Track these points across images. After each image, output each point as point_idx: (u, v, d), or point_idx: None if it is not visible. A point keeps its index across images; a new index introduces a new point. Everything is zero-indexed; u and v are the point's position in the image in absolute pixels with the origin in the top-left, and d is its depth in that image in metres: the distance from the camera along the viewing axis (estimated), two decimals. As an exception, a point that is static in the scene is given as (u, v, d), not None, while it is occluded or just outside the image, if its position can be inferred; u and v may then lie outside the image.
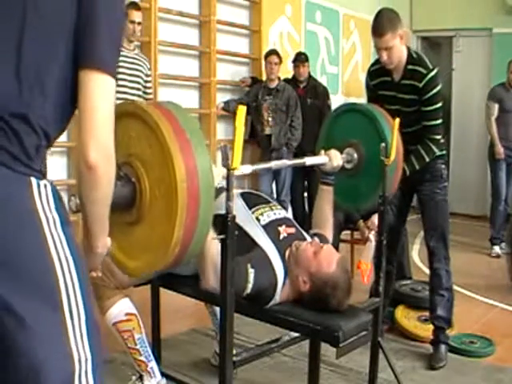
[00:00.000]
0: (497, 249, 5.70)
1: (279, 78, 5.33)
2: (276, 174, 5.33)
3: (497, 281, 4.69)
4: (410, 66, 2.90)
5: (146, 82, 4.33)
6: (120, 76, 3.93)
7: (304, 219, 5.03)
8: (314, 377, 2.49)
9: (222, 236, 1.70)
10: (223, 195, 1.75)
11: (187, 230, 1.54)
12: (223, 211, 1.71)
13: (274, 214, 2.19)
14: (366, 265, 2.66)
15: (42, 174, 1.15)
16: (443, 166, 3.12)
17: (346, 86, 7.05)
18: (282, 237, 2.12)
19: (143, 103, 1.58)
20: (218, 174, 1.74)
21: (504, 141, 5.67)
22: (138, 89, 4.21)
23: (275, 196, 5.27)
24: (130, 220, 1.61)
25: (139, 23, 4.24)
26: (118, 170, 1.30)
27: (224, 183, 1.71)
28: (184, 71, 5.18)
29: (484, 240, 5.92)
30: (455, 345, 3.26)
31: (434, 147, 2.93)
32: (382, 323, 2.70)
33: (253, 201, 2.21)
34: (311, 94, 5.49)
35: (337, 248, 3.63)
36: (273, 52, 5.35)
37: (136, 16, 4.20)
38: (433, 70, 2.87)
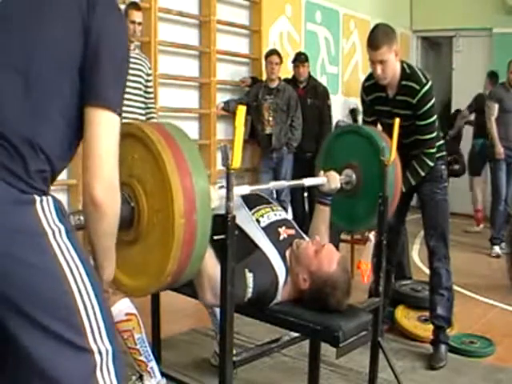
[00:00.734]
0: (497, 249, 5.70)
1: (280, 78, 5.33)
2: (276, 173, 5.34)
3: (497, 281, 4.69)
4: (403, 82, 2.92)
5: (147, 81, 4.32)
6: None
7: (304, 219, 5.03)
8: (314, 377, 2.50)
9: (221, 236, 1.70)
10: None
11: (181, 263, 1.55)
12: (223, 211, 1.70)
13: (275, 214, 2.19)
14: (366, 265, 2.65)
15: (43, 193, 1.20)
16: (443, 167, 3.15)
17: (346, 86, 7.05)
18: (282, 238, 2.12)
19: (149, 128, 1.57)
20: (216, 197, 1.73)
21: (504, 141, 5.67)
22: (140, 88, 4.20)
23: (275, 196, 5.26)
24: (128, 239, 1.62)
25: (139, 23, 4.23)
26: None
27: (223, 209, 1.70)
28: (184, 71, 5.17)
29: (484, 240, 5.92)
30: (455, 345, 3.26)
31: (428, 161, 2.98)
32: (382, 323, 2.71)
33: (253, 202, 2.20)
34: (311, 94, 5.49)
35: (337, 248, 3.63)
36: (273, 52, 5.35)
37: (136, 16, 4.19)
38: (426, 84, 2.89)
